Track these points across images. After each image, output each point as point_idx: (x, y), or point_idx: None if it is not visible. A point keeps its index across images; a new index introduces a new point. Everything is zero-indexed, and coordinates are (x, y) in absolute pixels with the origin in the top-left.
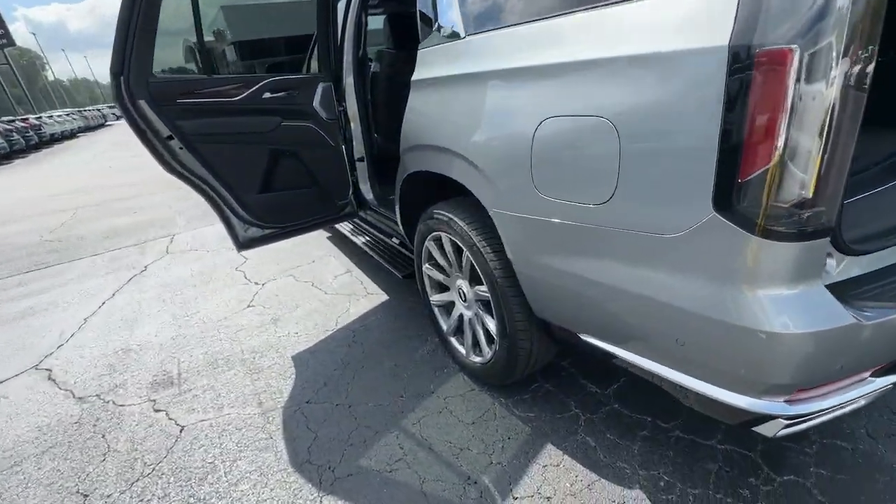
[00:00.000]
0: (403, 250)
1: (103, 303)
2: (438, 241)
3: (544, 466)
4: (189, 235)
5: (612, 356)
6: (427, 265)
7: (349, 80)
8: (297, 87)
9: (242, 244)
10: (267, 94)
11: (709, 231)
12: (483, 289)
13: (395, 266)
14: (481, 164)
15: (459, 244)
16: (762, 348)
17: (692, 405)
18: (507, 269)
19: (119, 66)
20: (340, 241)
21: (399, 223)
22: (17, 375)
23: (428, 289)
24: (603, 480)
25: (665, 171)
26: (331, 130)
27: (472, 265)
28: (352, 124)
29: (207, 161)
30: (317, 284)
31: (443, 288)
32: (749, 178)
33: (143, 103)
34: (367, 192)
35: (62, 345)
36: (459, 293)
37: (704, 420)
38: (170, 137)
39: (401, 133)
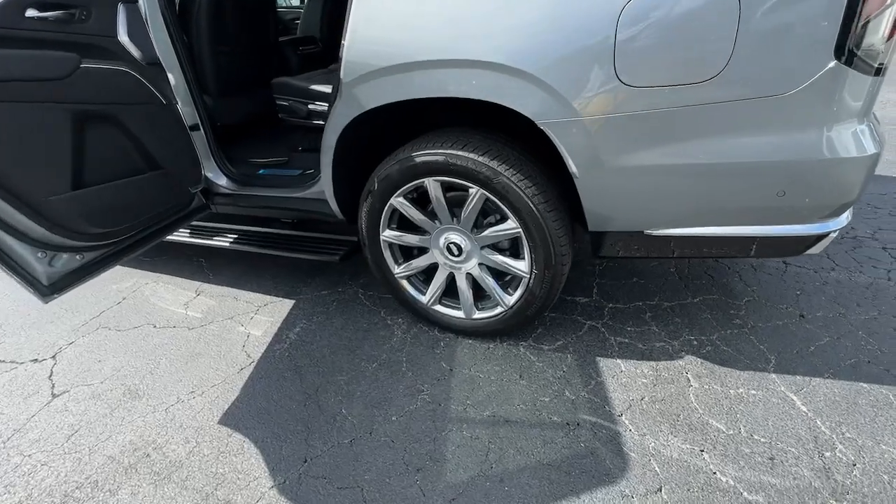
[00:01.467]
0: (310, 233)
1: None
2: (414, 193)
3: (614, 377)
4: None
5: (678, 240)
6: (389, 231)
7: (151, 6)
8: (83, 3)
9: (51, 285)
10: (33, 13)
11: (826, 79)
12: (506, 227)
13: (321, 252)
14: (533, 68)
15: (464, 184)
16: (851, 172)
17: (754, 254)
18: (549, 193)
19: None
20: (154, 259)
21: (331, 191)
22: None
23: (389, 261)
24: (661, 362)
25: (788, 33)
26: (157, 80)
27: (483, 206)
28: (170, 76)
29: None
30: (163, 325)
31: (409, 254)
32: (867, 21)
33: None
34: (217, 176)
35: None
36: (448, 248)
37: (671, 287)
38: None
39: (345, 55)
